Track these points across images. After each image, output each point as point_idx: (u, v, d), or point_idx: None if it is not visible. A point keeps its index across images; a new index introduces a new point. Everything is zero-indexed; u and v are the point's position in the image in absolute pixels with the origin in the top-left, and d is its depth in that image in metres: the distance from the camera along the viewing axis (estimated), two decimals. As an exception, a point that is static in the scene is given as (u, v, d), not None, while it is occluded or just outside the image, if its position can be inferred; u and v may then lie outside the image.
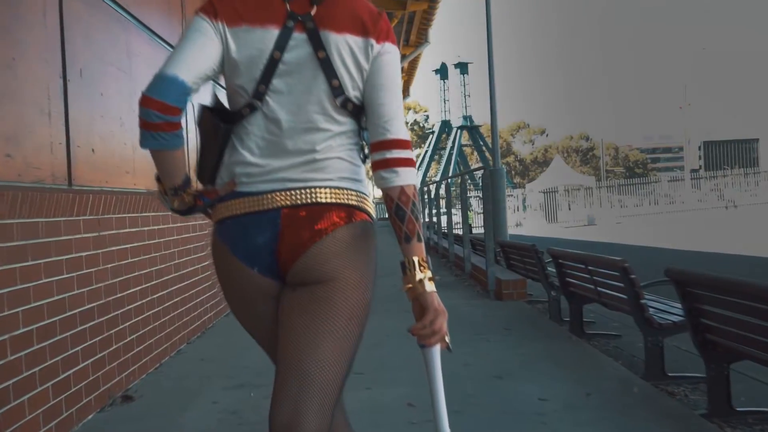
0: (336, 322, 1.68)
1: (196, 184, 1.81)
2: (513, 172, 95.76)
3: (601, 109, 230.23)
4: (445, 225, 12.63)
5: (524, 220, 44.12)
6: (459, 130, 76.07)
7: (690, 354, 5.48)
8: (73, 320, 3.73)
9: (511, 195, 46.31)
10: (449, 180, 13.03)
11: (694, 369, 5.02)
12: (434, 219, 15.76)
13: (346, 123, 1.74)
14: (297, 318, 1.69)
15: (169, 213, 5.92)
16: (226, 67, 1.71)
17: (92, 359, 3.95)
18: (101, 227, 4.14)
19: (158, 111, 1.58)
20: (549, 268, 7.57)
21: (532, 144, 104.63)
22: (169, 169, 1.73)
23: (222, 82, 1.78)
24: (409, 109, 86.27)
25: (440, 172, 73.04)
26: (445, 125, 79.21)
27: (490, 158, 73.24)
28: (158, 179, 1.78)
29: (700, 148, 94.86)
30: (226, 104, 1.79)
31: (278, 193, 1.69)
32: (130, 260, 4.60)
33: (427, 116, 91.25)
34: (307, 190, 1.69)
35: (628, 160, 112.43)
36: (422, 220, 1.92)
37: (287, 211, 1.68)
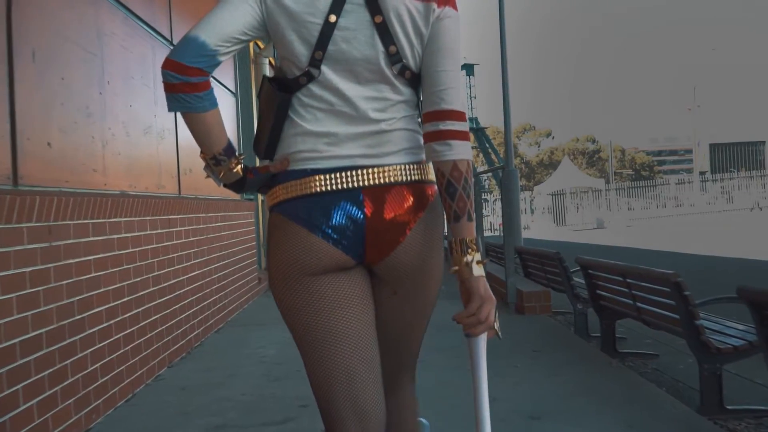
0: (425, 317, 1.80)
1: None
2: (519, 175, 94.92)
3: (607, 111, 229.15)
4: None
5: (532, 222, 43.45)
6: (465, 132, 75.17)
7: (751, 383, 4.76)
8: (11, 352, 3.01)
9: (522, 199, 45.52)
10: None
11: (757, 400, 4.32)
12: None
13: (405, 92, 1.66)
14: (401, 314, 1.75)
15: (147, 218, 5.31)
16: (275, 34, 1.60)
17: (38, 398, 3.22)
18: (53, 236, 3.42)
19: (175, 72, 1.51)
20: (575, 278, 6.85)
21: (538, 146, 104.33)
22: (202, 135, 1.61)
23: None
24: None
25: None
26: (451, 127, 78.60)
27: (496, 161, 72.96)
28: (201, 153, 1.67)
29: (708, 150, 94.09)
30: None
31: (355, 172, 1.60)
32: (93, 275, 3.88)
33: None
34: (384, 169, 1.62)
35: (634, 162, 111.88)
36: (473, 199, 1.67)
37: (369, 191, 1.60)
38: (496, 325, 1.61)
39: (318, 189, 1.59)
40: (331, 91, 1.61)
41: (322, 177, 1.59)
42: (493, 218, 39.76)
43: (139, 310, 4.57)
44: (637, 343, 6.29)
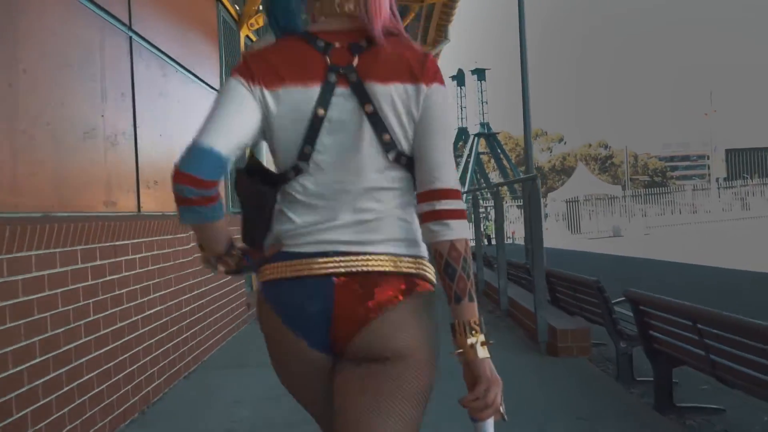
0: (404, 405, 1.52)
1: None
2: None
3: (619, 115, 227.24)
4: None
5: (546, 231, 42.24)
6: (476, 138, 74.61)
7: None
8: None
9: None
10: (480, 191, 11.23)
11: None
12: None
13: (400, 179, 1.59)
14: (362, 397, 1.52)
15: (81, 247, 4.25)
16: (267, 130, 1.58)
17: None
18: None
19: (192, 186, 1.48)
20: (618, 309, 5.77)
21: (550, 152, 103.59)
22: (211, 240, 1.64)
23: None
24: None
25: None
26: (462, 133, 78.00)
27: (508, 166, 72.16)
28: (200, 246, 1.68)
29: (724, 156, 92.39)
30: (265, 164, 1.65)
31: (330, 258, 1.54)
32: (8, 325, 2.82)
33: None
34: (362, 257, 1.54)
35: (647, 168, 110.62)
36: (473, 279, 1.55)
37: (341, 279, 1.53)
38: (502, 408, 1.51)
39: (289, 274, 1.55)
40: (321, 184, 1.57)
41: (296, 262, 1.55)
42: (506, 225, 38.80)
43: (64, 369, 3.50)
44: (692, 390, 5.21)
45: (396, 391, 1.52)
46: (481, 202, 9.63)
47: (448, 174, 1.54)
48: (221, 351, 6.41)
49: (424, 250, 1.61)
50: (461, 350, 1.51)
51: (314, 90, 1.54)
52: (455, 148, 76.58)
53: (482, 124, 76.21)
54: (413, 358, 1.54)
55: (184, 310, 5.45)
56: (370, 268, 1.53)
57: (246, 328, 7.51)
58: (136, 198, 4.81)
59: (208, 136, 1.50)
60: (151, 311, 4.73)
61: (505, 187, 71.06)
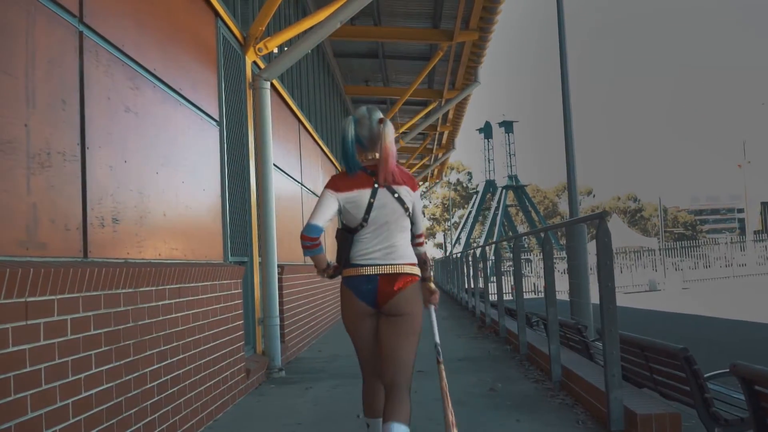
0: (411, 335, 3.49)
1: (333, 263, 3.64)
2: (560, 234, 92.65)
3: (648, 168, 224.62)
4: (509, 292, 9.43)
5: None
6: (504, 191, 73.48)
7: None
8: None
9: (563, 257, 43.05)
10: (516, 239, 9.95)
11: None
12: (481, 284, 12.63)
13: (406, 225, 3.59)
14: (392, 333, 3.47)
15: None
16: (344, 211, 3.53)
17: None
18: None
19: (308, 241, 3.46)
20: (713, 386, 4.46)
21: (579, 205, 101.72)
22: (320, 262, 3.59)
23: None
24: (452, 169, 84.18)
25: (484, 233, 70.55)
26: (489, 185, 76.99)
27: (537, 219, 70.65)
28: (315, 266, 3.66)
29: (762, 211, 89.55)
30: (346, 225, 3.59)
31: (376, 267, 3.48)
32: None
33: (471, 176, 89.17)
34: (391, 266, 3.48)
35: (677, 221, 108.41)
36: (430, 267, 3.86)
37: (381, 277, 3.46)
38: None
39: (359, 273, 3.49)
40: (371, 231, 3.50)
41: (362, 267, 3.49)
42: (535, 279, 37.29)
43: None
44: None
45: (408, 330, 3.48)
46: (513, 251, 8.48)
47: (421, 226, 3.75)
48: (213, 428, 5.15)
49: (415, 261, 3.63)
50: (430, 284, 3.78)
51: (368, 191, 3.49)
52: (482, 201, 75.43)
53: (510, 177, 75.15)
54: (414, 315, 3.49)
55: (145, 388, 4.21)
56: (396, 272, 3.49)
57: (246, 399, 6.24)
58: (82, 239, 3.64)
59: (316, 219, 3.45)
60: (89, 393, 3.51)
61: (534, 240, 69.42)
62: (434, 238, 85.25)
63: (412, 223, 3.63)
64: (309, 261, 11.13)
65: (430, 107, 19.56)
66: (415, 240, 3.70)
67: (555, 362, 5.95)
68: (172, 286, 4.68)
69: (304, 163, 11.43)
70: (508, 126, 77.77)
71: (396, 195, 3.49)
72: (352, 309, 3.50)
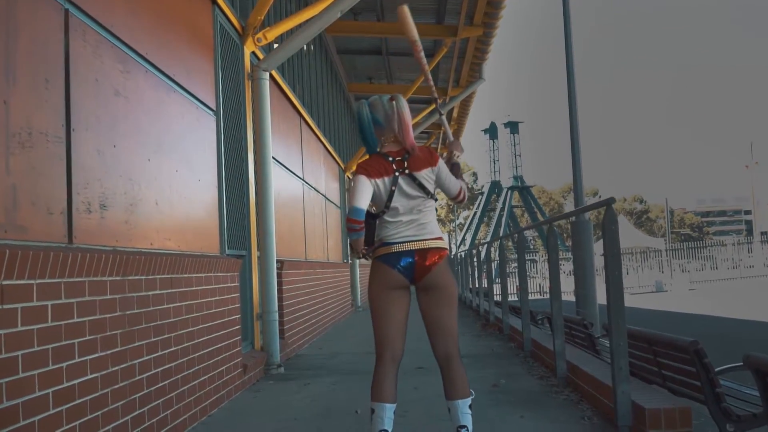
0: (452, 306, 3.66)
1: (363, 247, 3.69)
2: (565, 235, 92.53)
3: (654, 169, 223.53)
4: (514, 293, 9.25)
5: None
6: (509, 191, 73.30)
7: None
8: None
9: (568, 258, 42.84)
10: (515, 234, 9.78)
11: None
12: (485, 284, 12.46)
13: (430, 204, 3.69)
14: (436, 306, 3.62)
15: None
16: (374, 196, 3.64)
17: None
18: None
19: (354, 224, 3.57)
20: (724, 382, 4.30)
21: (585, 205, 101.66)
22: (358, 245, 3.63)
23: None
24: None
25: (489, 234, 70.26)
26: (495, 186, 76.81)
27: (542, 220, 70.31)
28: (351, 248, 3.73)
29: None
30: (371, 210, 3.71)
31: (408, 243, 3.60)
32: None
33: (476, 177, 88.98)
34: (424, 242, 3.61)
35: (684, 223, 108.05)
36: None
37: (417, 252, 3.58)
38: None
39: (394, 250, 3.60)
40: (396, 214, 3.63)
41: (396, 245, 3.60)
42: (541, 281, 37.04)
43: None
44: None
45: (449, 300, 3.64)
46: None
47: (454, 186, 3.81)
48: (204, 426, 4.99)
49: (441, 235, 3.77)
50: (454, 152, 4.02)
51: (389, 179, 3.62)
52: (488, 202, 75.14)
53: (515, 177, 74.95)
54: (450, 287, 3.65)
55: (134, 380, 4.07)
56: (428, 246, 3.62)
57: (242, 395, 6.10)
58: (66, 224, 3.50)
59: (356, 201, 3.58)
60: (71, 383, 3.36)
61: (539, 241, 69.14)
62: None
63: (445, 192, 3.82)
64: (311, 257, 10.98)
65: (434, 105, 19.40)
66: (452, 201, 3.91)
67: (560, 358, 5.78)
68: (163, 276, 4.53)
69: (305, 159, 11.28)
70: (513, 126, 77.61)
71: (417, 182, 3.61)
72: (388, 281, 3.59)
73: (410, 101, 18.46)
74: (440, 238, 3.67)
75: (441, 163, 3.70)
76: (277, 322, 7.22)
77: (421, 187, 3.61)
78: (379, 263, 3.62)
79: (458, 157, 3.99)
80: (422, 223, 3.62)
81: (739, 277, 40.72)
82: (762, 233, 58.23)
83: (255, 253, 7.26)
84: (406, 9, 3.98)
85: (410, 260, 3.57)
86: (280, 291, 8.06)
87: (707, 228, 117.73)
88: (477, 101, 21.32)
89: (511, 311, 10.48)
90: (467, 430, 3.50)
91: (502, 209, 73.02)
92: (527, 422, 4.78)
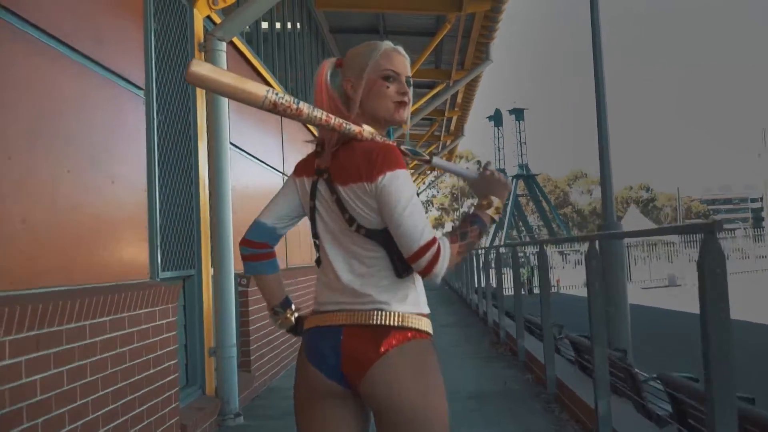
0: None
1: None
2: (571, 224, 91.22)
3: (660, 157, 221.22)
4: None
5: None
6: (515, 180, 71.71)
7: None
8: None
9: (578, 250, 41.40)
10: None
11: None
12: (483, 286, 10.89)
13: (373, 248, 1.95)
14: None
15: None
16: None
17: None
18: None
19: (246, 246, 2.11)
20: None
21: (590, 194, 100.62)
22: (265, 292, 2.15)
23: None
24: (461, 158, 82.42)
25: (494, 223, 68.78)
26: (500, 174, 75.06)
27: (547, 208, 69.06)
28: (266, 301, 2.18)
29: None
30: None
31: (338, 313, 1.95)
32: None
33: (480, 166, 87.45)
34: (363, 313, 1.91)
35: (691, 211, 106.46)
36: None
37: (348, 329, 1.91)
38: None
39: (312, 325, 2.00)
40: (324, 253, 2.03)
41: (319, 316, 1.99)
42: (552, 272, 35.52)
43: None
44: None
45: None
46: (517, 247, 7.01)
47: (412, 237, 1.86)
48: None
49: (416, 302, 1.97)
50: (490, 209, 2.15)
51: (310, 182, 2.07)
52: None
53: (521, 166, 73.23)
54: (416, 410, 1.85)
55: None
56: (369, 321, 1.93)
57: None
58: None
59: (261, 214, 2.13)
60: None
61: (544, 228, 67.70)
62: (443, 228, 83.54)
63: (396, 242, 1.90)
64: (292, 263, 9.40)
65: (437, 89, 17.87)
66: (414, 266, 1.90)
67: (604, 425, 4.22)
68: (34, 333, 3.00)
69: (287, 150, 9.68)
70: (518, 114, 75.99)
71: (335, 196, 1.99)
72: (300, 385, 2.03)
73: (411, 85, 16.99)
74: (394, 313, 1.92)
75: (385, 181, 1.89)
76: (235, 359, 5.67)
77: (340, 205, 1.98)
78: (300, 350, 2.06)
79: (496, 210, 2.19)
80: (362, 276, 1.96)
81: (756, 270, 39.37)
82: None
83: (208, 271, 5.72)
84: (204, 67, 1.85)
85: (333, 343, 1.94)
86: (245, 314, 6.54)
87: (713, 216, 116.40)
88: (482, 88, 19.72)
89: (525, 328, 8.88)
90: None
91: (507, 198, 71.66)
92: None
